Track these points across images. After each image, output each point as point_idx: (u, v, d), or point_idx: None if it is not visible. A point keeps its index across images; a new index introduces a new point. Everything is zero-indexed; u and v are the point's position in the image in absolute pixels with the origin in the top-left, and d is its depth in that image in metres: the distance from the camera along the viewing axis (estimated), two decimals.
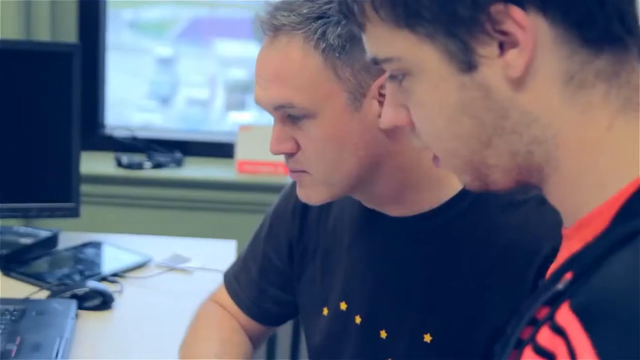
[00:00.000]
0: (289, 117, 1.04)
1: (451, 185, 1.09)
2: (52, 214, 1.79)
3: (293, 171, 1.09)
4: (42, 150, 1.77)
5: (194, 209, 2.51)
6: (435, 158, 0.78)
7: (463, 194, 1.07)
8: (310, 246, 1.23)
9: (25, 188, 1.77)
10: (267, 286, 1.29)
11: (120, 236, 1.96)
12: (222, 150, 2.60)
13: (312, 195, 1.10)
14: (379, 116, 1.02)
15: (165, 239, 1.98)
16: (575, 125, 0.68)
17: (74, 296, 1.55)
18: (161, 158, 2.55)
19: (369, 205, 1.14)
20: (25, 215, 1.80)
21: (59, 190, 1.77)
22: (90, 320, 1.52)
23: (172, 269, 1.77)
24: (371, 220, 1.15)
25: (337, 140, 1.03)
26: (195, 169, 2.56)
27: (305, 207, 1.22)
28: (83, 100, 2.63)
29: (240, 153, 2.48)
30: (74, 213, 1.78)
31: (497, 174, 0.73)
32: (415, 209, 1.10)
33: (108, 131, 2.63)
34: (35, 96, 1.76)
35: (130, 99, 2.84)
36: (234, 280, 1.33)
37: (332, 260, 1.20)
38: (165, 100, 2.88)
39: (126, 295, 1.64)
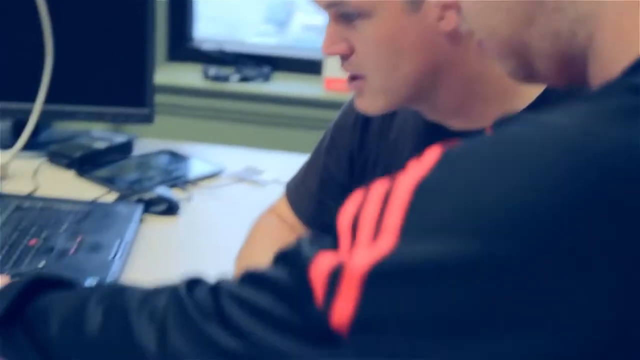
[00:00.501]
0: (343, 15, 0.97)
1: (522, 98, 1.01)
2: (126, 119, 1.78)
3: (351, 79, 1.03)
4: (119, 55, 1.76)
5: (278, 125, 2.48)
6: (479, 43, 0.72)
7: (533, 106, 0.99)
8: (370, 159, 1.17)
9: (100, 92, 1.77)
10: (326, 198, 1.24)
11: (195, 146, 1.94)
12: (310, 67, 2.54)
13: (369, 104, 1.04)
14: (440, 20, 0.95)
15: (240, 150, 1.95)
16: (616, 4, 0.60)
17: (140, 200, 1.54)
18: (249, 72, 2.52)
19: (432, 117, 1.07)
20: (100, 118, 1.79)
21: (134, 96, 1.76)
22: (155, 225, 1.51)
23: (244, 180, 1.75)
24: (433, 134, 1.08)
25: (393, 42, 0.96)
26: (283, 85, 2.52)
27: (366, 120, 1.16)
28: (172, 13, 2.62)
29: (328, 70, 2.43)
30: (148, 119, 1.77)
31: (541, 60, 0.66)
32: (481, 122, 1.02)
33: (197, 44, 2.61)
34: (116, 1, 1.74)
35: (246, 21, 2.79)
36: (295, 191, 1.29)
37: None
38: (281, 25, 2.81)
39: (194, 204, 1.62)
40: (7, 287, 0.81)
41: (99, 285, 1.03)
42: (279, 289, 0.63)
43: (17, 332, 0.77)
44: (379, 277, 0.55)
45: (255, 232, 1.28)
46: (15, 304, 0.78)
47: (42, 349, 0.76)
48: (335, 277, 0.57)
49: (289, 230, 1.26)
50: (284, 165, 1.80)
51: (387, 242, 0.55)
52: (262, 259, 1.19)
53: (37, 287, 0.80)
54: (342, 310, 0.56)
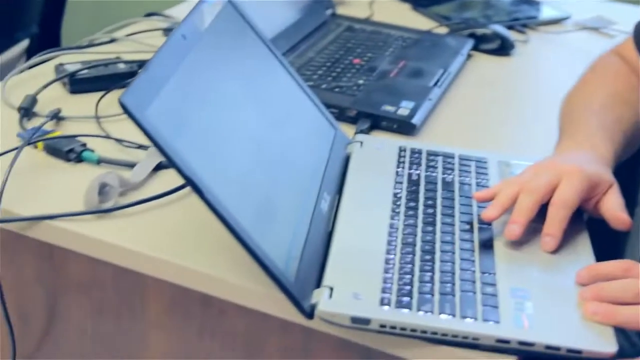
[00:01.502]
0: None
1: None
2: None
3: None
4: None
5: None
6: None
7: None
8: None
9: None
10: None
11: None
12: None
13: None
14: None
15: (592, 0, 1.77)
16: None
17: (472, 35, 1.44)
18: None
19: None
20: None
21: None
22: (484, 62, 1.42)
23: (590, 29, 1.57)
24: None
25: None
26: None
27: None
28: None
29: None
30: None
31: None
32: None
33: None
34: None
35: None
36: None
37: None
38: None
39: (530, 46, 1.50)
40: None
41: None
42: None
43: None
44: None
45: (591, 70, 1.14)
46: None
47: None
48: None
49: (629, 71, 1.10)
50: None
51: None
52: (591, 97, 1.06)
53: None
54: None
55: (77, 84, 1.18)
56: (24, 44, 1.93)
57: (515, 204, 0.86)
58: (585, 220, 0.91)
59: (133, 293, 0.90)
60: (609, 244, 0.95)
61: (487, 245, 0.85)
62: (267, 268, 0.74)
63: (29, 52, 1.91)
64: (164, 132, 0.71)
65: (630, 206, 1.46)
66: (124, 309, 0.91)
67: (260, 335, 0.85)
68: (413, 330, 0.74)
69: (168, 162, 0.72)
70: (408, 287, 0.77)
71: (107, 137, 1.06)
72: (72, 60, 1.22)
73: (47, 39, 1.98)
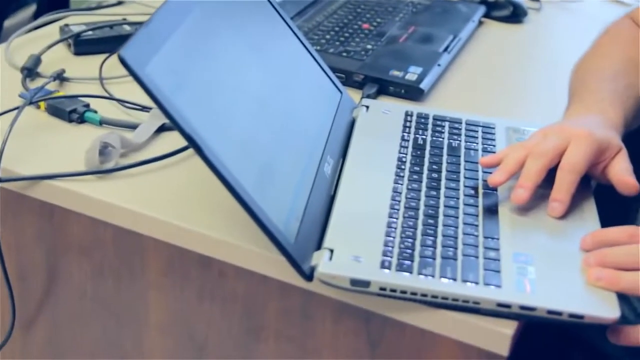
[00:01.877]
0: None
1: None
2: None
3: None
4: None
5: None
6: None
7: None
8: None
9: None
10: None
11: None
12: None
13: None
14: None
15: None
16: None
17: (484, 2, 1.42)
18: None
19: None
20: None
21: None
22: (495, 29, 1.39)
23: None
24: None
25: None
26: None
27: None
28: None
29: None
30: None
31: None
32: None
33: None
34: None
35: None
36: None
37: None
38: None
39: (543, 14, 1.47)
40: None
41: None
42: None
43: None
44: None
45: (604, 36, 1.11)
46: None
47: None
48: None
49: None
50: None
51: None
52: (603, 63, 1.04)
53: None
54: None
55: (82, 45, 1.16)
56: (32, 7, 1.92)
57: (523, 168, 0.84)
58: (594, 189, 0.90)
59: (133, 254, 0.89)
60: (617, 213, 0.93)
61: (491, 211, 0.83)
62: (266, 228, 0.73)
63: (36, 15, 1.90)
64: (164, 89, 0.70)
65: None
66: (123, 270, 0.90)
67: (259, 299, 0.84)
68: (413, 293, 0.73)
69: (167, 119, 0.71)
70: (409, 251, 0.76)
71: (111, 98, 1.05)
72: (79, 22, 1.21)
73: (56, 1, 1.97)
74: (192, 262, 0.85)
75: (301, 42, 0.99)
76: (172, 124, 0.70)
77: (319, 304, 0.80)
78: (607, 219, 0.85)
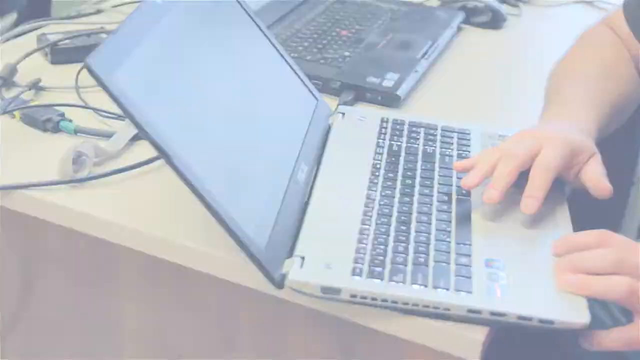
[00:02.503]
0: None
1: None
2: None
3: None
4: None
5: None
6: None
7: None
8: None
9: None
10: None
11: None
12: None
13: None
14: None
15: None
16: None
17: (463, 8, 1.42)
18: None
19: None
20: None
21: None
22: (474, 36, 1.40)
23: (584, 2, 1.55)
24: None
25: None
26: None
27: None
28: None
29: None
30: None
31: None
32: None
33: None
34: None
35: None
36: (635, 2, 1.10)
37: None
38: None
39: (523, 20, 1.48)
40: None
41: None
42: None
43: None
44: None
45: (581, 41, 1.11)
46: None
47: None
48: None
49: (617, 42, 1.08)
50: None
51: None
52: (582, 69, 1.04)
53: None
54: None
55: (59, 54, 1.16)
56: (13, 16, 1.91)
57: (495, 170, 0.84)
58: (568, 197, 0.90)
59: (107, 263, 0.89)
60: (593, 221, 0.93)
61: (464, 217, 0.83)
62: (234, 234, 0.72)
63: (17, 24, 1.89)
64: (132, 96, 0.70)
65: (626, 184, 1.45)
66: (98, 280, 0.90)
67: (233, 307, 0.84)
68: (384, 300, 0.72)
69: (134, 126, 0.71)
70: (381, 258, 0.76)
71: (85, 107, 1.05)
72: (57, 31, 1.21)
73: (37, 10, 1.96)
74: (166, 271, 0.85)
75: (276, 49, 0.99)
76: (139, 131, 0.70)
77: (291, 312, 0.80)
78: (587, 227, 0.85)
